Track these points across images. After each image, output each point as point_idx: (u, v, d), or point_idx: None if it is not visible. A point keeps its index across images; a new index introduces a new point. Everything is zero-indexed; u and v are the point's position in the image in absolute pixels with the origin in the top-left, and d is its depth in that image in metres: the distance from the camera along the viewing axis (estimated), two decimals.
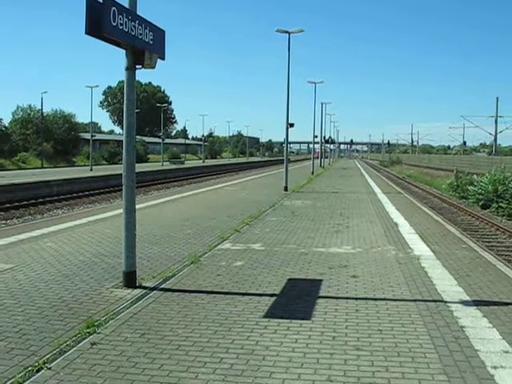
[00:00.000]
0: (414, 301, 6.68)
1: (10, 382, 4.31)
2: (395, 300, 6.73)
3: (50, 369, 4.58)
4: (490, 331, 5.54)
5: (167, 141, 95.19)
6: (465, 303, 6.55)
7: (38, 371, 4.51)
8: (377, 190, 27.32)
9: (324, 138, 64.27)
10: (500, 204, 24.66)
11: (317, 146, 65.88)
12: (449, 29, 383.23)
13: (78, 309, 6.25)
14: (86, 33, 6.32)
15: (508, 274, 8.18)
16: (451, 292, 7.06)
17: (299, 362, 4.78)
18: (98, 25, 6.34)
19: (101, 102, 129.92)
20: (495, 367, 4.62)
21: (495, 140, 67.34)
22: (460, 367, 4.63)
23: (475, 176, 31.19)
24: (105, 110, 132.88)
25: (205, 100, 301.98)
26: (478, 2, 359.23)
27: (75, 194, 28.95)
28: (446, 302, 6.62)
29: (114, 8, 6.48)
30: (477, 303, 6.53)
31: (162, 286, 7.32)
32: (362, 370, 4.59)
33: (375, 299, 6.76)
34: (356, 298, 6.79)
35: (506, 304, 6.51)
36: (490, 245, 15.51)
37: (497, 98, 66.48)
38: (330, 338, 5.38)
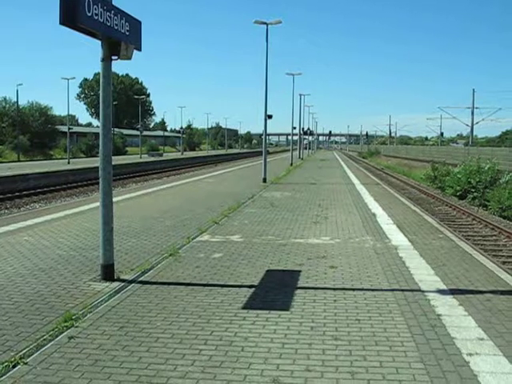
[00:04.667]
0: (392, 290, 6.75)
1: None
2: (373, 290, 6.79)
3: (26, 364, 4.52)
4: (466, 319, 5.62)
5: (145, 133, 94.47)
6: (441, 292, 6.64)
7: (14, 366, 4.45)
8: (355, 181, 27.48)
9: (303, 129, 64.37)
10: (474, 194, 25.04)
11: (295, 138, 65.98)
12: (426, 19, 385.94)
13: (55, 303, 6.18)
14: (61, 23, 6.20)
15: (484, 263, 8.30)
16: (428, 281, 7.15)
17: (278, 352, 4.79)
18: (72, 15, 6.21)
19: (78, 95, 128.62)
20: (470, 354, 4.69)
21: (472, 131, 68.31)
22: (436, 355, 4.69)
23: (450, 167, 31.54)
24: (82, 103, 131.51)
25: (183, 92, 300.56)
26: None
27: (52, 188, 28.61)
28: (423, 291, 6.70)
29: None
30: (453, 292, 6.63)
31: (141, 279, 7.29)
32: (340, 360, 4.62)
33: (353, 289, 6.81)
34: (334, 289, 6.83)
35: (482, 292, 6.61)
36: (467, 234, 15.76)
37: (473, 90, 67.03)
38: (308, 328, 5.41)
